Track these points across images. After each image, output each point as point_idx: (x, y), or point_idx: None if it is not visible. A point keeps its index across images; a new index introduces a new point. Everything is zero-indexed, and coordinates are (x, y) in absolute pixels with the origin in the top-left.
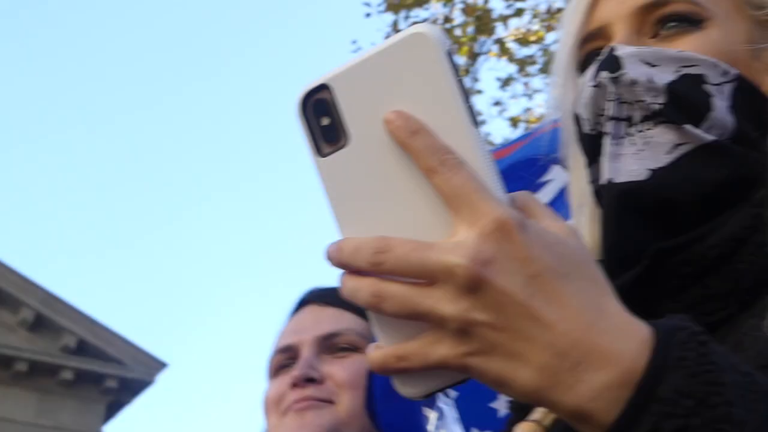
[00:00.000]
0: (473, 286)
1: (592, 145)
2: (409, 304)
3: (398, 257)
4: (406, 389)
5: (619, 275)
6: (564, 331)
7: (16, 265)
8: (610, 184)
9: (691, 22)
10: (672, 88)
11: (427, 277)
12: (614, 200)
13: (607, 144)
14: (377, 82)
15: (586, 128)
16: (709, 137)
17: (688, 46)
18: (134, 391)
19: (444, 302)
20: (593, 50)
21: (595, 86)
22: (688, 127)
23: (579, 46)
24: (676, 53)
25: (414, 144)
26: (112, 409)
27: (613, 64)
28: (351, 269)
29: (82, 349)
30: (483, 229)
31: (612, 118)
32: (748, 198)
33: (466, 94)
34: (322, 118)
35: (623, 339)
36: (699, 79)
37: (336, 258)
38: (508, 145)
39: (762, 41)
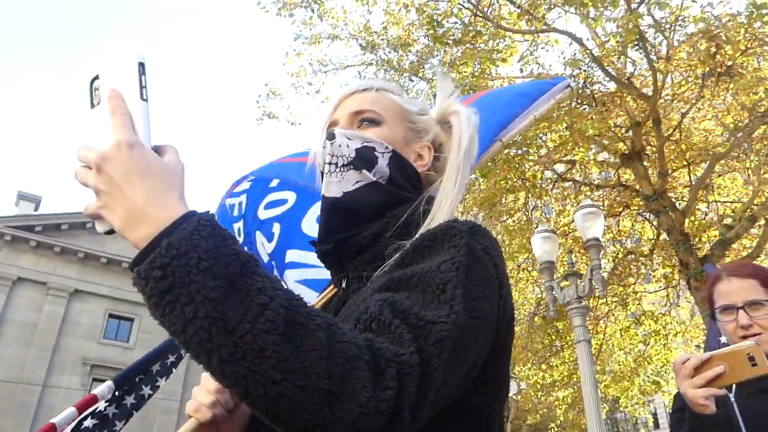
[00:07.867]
0: (97, 169)
1: (321, 176)
2: (80, 178)
3: (81, 154)
4: (100, 227)
5: (326, 245)
6: (132, 201)
7: None
8: (324, 197)
9: (373, 122)
10: (358, 151)
11: (89, 164)
12: (325, 206)
13: (325, 175)
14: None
15: (320, 167)
16: (374, 178)
17: (370, 133)
18: None
19: (90, 177)
20: (330, 128)
21: (323, 146)
22: (365, 171)
23: (326, 126)
24: (363, 134)
25: (111, 103)
26: None
27: (332, 136)
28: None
29: None
30: (112, 143)
31: (328, 163)
32: (386, 214)
33: (144, 86)
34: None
35: (165, 213)
36: (372, 149)
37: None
38: (293, 156)
39: (412, 138)
